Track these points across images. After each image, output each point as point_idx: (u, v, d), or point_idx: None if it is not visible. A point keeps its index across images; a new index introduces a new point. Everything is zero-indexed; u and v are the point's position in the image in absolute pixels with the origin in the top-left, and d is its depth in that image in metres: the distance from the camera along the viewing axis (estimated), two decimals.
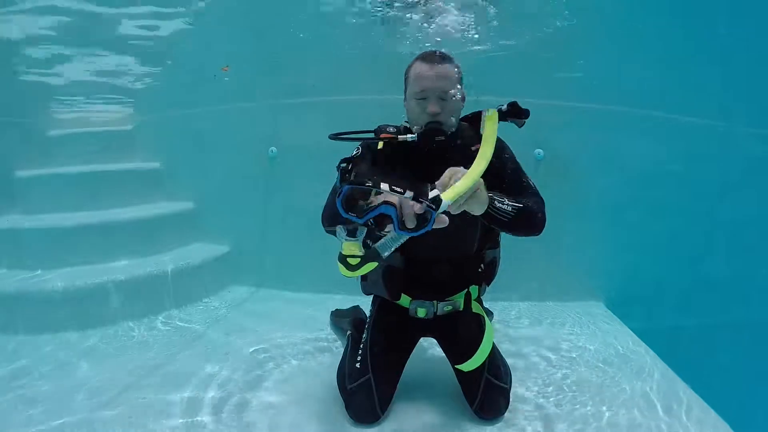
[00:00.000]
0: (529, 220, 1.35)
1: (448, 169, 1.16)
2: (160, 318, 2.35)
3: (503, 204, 1.27)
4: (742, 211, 2.58)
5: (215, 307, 2.53)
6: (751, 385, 2.52)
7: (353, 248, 1.10)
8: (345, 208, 1.04)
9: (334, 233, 1.27)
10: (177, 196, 3.07)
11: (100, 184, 2.94)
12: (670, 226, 2.55)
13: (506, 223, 1.30)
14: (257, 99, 2.85)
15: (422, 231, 1.04)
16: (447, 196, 1.05)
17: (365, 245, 1.11)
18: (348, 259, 1.10)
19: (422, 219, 1.04)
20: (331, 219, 1.40)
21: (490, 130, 1.26)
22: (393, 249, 1.11)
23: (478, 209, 1.19)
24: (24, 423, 1.46)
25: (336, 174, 1.19)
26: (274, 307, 2.52)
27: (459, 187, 1.08)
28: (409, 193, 1.00)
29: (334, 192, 1.45)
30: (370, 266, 1.11)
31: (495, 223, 1.29)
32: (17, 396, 1.63)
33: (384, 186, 1.00)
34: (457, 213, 1.12)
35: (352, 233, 1.10)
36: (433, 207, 1.02)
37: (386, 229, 1.08)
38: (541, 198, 1.45)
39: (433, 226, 1.04)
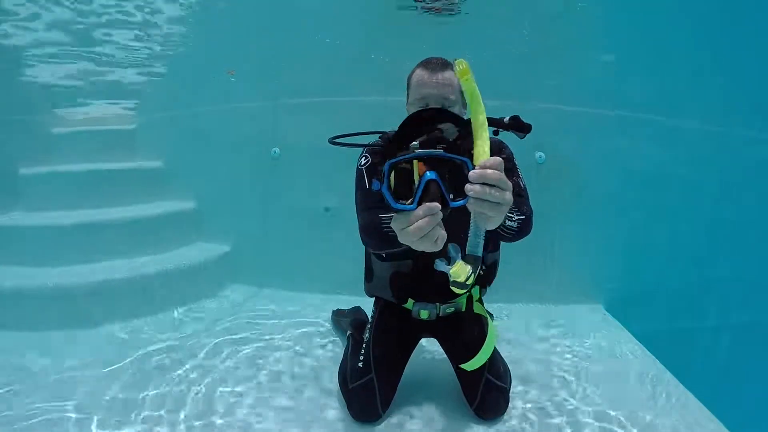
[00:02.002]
0: (523, 231, 1.34)
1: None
2: (160, 317, 2.35)
3: (512, 221, 1.26)
4: (742, 214, 2.59)
5: (216, 307, 2.53)
6: (750, 386, 2.53)
7: (463, 270, 1.01)
8: (395, 197, 0.99)
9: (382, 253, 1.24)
10: (179, 196, 3.08)
11: (103, 183, 2.95)
12: (670, 228, 2.57)
13: (508, 238, 1.30)
14: (260, 99, 2.86)
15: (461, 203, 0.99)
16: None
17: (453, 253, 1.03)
18: (467, 282, 1.03)
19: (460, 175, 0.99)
20: (379, 243, 1.35)
21: (471, 89, 1.04)
22: (482, 242, 1.03)
23: (492, 223, 1.05)
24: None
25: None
26: (275, 307, 2.52)
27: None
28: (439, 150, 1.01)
29: (369, 210, 1.39)
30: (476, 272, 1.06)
31: (498, 238, 1.27)
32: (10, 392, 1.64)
33: (416, 145, 1.01)
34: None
35: (449, 258, 1.02)
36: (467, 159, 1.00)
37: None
38: (528, 199, 1.46)
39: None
